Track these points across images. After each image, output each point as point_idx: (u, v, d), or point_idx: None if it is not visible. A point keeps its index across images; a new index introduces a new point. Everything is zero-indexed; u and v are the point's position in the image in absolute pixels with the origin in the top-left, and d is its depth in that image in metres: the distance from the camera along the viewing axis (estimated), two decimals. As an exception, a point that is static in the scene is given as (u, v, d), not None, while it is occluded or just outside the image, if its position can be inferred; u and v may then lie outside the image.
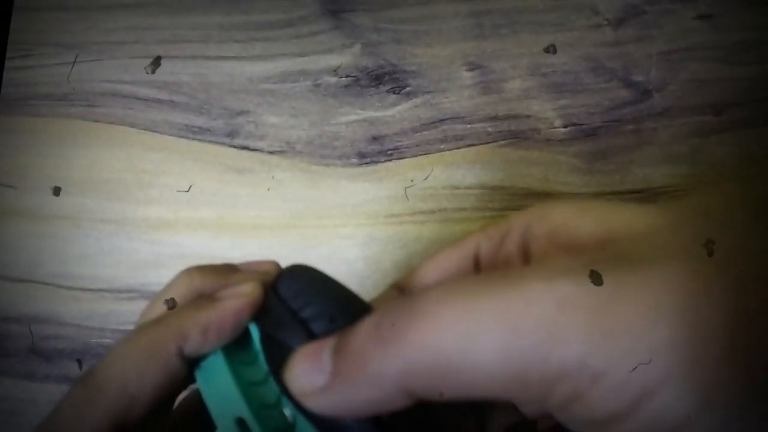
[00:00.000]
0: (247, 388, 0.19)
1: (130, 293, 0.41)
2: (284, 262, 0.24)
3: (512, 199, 0.40)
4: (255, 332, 0.20)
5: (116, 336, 0.41)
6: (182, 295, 0.22)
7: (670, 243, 0.14)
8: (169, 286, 0.22)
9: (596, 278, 0.13)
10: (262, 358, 0.20)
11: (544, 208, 0.19)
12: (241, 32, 0.44)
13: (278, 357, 0.18)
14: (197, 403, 0.24)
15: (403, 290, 0.23)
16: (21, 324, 0.41)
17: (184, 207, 0.42)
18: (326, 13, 0.43)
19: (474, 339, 0.13)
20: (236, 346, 0.20)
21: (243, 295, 0.20)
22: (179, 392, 0.21)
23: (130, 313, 0.41)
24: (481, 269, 0.20)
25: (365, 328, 0.16)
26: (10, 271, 0.42)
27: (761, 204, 0.39)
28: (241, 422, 0.18)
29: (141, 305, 0.40)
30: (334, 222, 0.41)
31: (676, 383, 0.12)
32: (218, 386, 0.19)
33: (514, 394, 0.14)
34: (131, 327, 0.41)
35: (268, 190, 0.41)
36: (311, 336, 0.18)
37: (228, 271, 0.23)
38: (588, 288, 0.13)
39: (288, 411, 0.18)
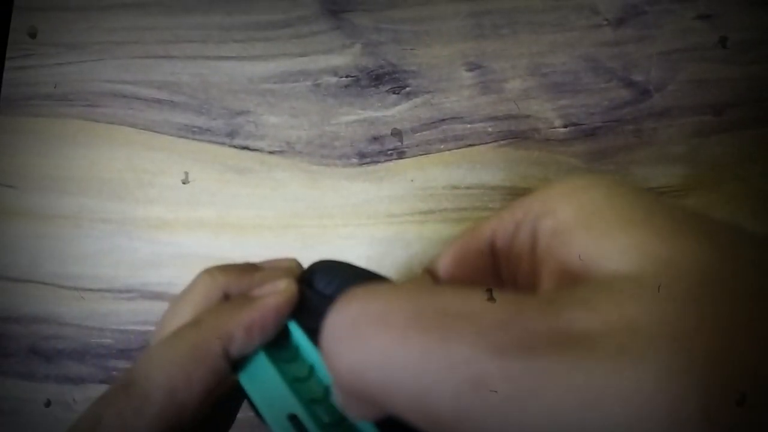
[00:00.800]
0: (293, 384, 0.19)
1: (130, 293, 0.41)
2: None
3: (512, 199, 0.40)
4: (294, 328, 0.20)
5: (116, 336, 0.41)
6: (206, 295, 0.21)
7: (653, 317, 0.11)
8: (192, 286, 0.22)
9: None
10: (302, 354, 0.20)
11: (554, 198, 0.17)
12: (241, 32, 0.44)
13: None
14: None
15: (434, 275, 0.22)
16: (21, 324, 0.41)
17: (184, 207, 0.42)
18: (326, 13, 0.44)
19: (394, 384, 0.13)
20: (276, 345, 0.20)
21: (281, 291, 0.20)
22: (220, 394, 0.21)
23: (130, 313, 0.41)
24: (499, 259, 0.20)
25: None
26: (10, 271, 0.42)
27: (761, 204, 0.39)
28: (293, 418, 0.18)
29: (141, 305, 0.40)
30: (335, 222, 0.41)
31: None
32: (265, 385, 0.19)
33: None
34: (132, 327, 0.41)
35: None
36: None
37: (251, 269, 0.23)
38: (511, 372, 0.11)
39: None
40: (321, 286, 0.21)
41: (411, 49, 0.43)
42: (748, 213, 0.40)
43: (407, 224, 0.41)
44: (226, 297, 0.22)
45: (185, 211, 0.42)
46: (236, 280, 0.22)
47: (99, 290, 0.41)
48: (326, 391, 0.19)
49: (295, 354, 0.20)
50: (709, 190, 0.40)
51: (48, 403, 0.40)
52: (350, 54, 0.43)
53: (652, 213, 0.14)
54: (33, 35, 0.40)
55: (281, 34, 0.44)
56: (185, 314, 0.21)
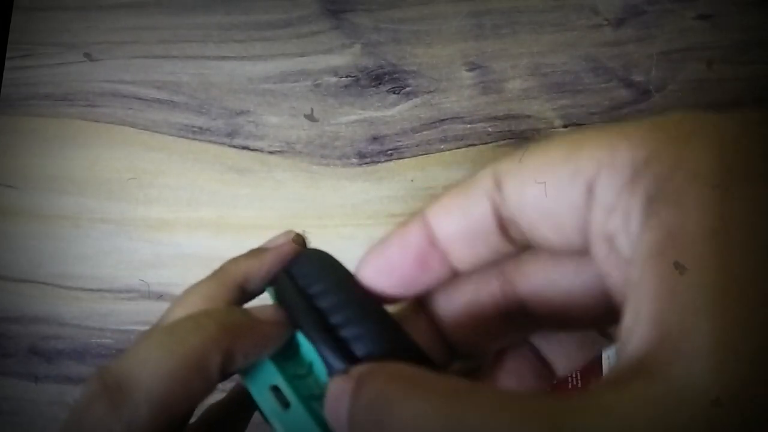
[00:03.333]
0: (293, 381, 0.19)
1: (130, 293, 0.41)
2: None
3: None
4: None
5: (116, 336, 0.41)
6: (223, 286, 0.22)
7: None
8: (211, 278, 0.22)
9: None
10: (302, 351, 0.20)
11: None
12: (241, 32, 0.44)
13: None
14: (217, 414, 0.24)
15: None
16: (21, 324, 0.41)
17: (184, 207, 0.42)
18: (326, 13, 0.44)
19: None
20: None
21: (274, 324, 0.20)
22: None
23: (130, 313, 0.41)
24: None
25: None
26: (10, 271, 0.42)
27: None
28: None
29: (141, 305, 0.40)
30: (335, 222, 0.41)
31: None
32: (266, 382, 0.19)
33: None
34: (131, 327, 0.41)
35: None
36: (322, 320, 0.19)
37: (259, 254, 0.23)
38: None
39: None
40: (297, 275, 0.21)
41: (411, 49, 0.43)
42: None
43: (407, 224, 0.41)
44: (241, 290, 0.22)
45: (185, 212, 0.42)
46: (256, 271, 0.22)
47: (99, 290, 0.41)
48: (324, 388, 0.19)
49: (295, 351, 0.20)
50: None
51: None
52: (350, 54, 0.43)
53: None
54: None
55: (281, 34, 0.44)
56: (197, 302, 0.21)
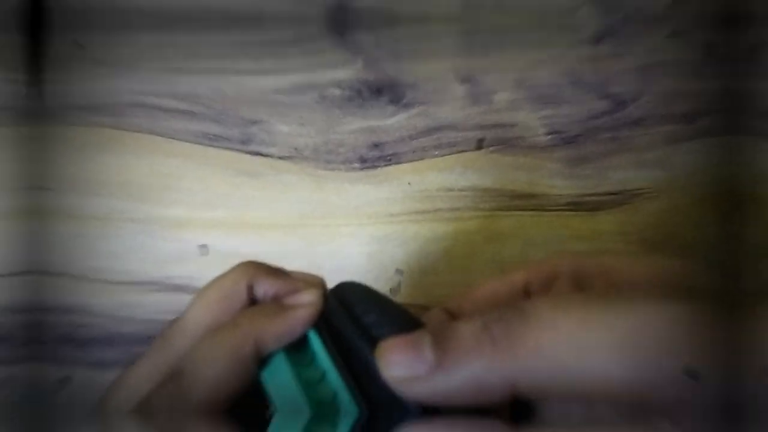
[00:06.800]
0: (306, 387, 0.20)
1: (156, 285, 0.44)
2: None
3: (501, 200, 0.44)
4: (313, 336, 0.22)
5: (144, 325, 0.44)
6: (235, 282, 0.23)
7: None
8: (226, 273, 0.24)
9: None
10: (317, 359, 0.21)
11: (591, 257, 0.22)
12: (255, 49, 0.46)
13: (345, 356, 0.20)
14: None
15: (452, 314, 0.24)
16: (56, 314, 0.44)
17: (201, 208, 0.45)
18: (331, 32, 0.46)
19: (590, 350, 0.15)
20: (295, 347, 0.22)
21: (310, 304, 0.22)
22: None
23: (155, 303, 0.44)
24: None
25: (471, 328, 0.16)
26: (46, 266, 0.44)
27: (727, 202, 0.42)
28: None
29: (165, 297, 0.44)
30: (338, 222, 0.43)
31: None
32: (281, 385, 0.21)
33: (621, 396, 0.15)
34: (157, 317, 0.43)
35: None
36: (373, 340, 0.20)
37: (281, 274, 0.24)
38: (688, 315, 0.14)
39: (343, 407, 0.20)
40: (359, 313, 0.21)
41: (408, 65, 0.45)
42: (717, 214, 0.42)
43: (405, 223, 0.44)
44: (250, 289, 0.23)
45: (203, 212, 0.44)
46: (265, 278, 0.23)
47: (128, 283, 0.44)
48: (334, 396, 0.20)
49: (311, 358, 0.21)
50: (680, 192, 0.43)
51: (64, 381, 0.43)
52: (353, 69, 0.45)
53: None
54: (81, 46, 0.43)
55: (291, 51, 0.46)
56: (212, 296, 0.23)
